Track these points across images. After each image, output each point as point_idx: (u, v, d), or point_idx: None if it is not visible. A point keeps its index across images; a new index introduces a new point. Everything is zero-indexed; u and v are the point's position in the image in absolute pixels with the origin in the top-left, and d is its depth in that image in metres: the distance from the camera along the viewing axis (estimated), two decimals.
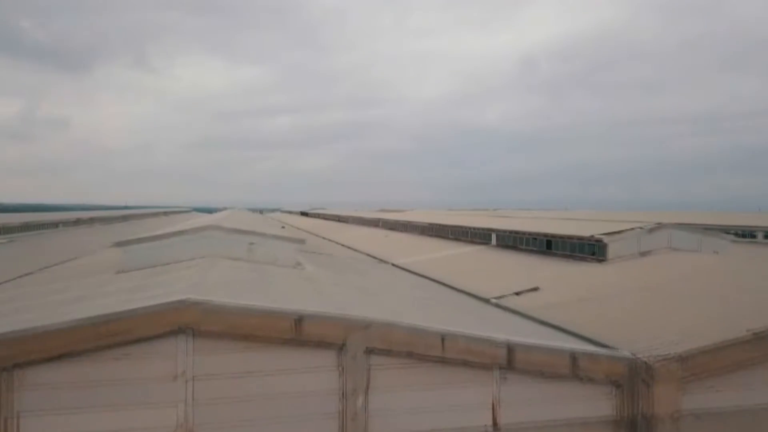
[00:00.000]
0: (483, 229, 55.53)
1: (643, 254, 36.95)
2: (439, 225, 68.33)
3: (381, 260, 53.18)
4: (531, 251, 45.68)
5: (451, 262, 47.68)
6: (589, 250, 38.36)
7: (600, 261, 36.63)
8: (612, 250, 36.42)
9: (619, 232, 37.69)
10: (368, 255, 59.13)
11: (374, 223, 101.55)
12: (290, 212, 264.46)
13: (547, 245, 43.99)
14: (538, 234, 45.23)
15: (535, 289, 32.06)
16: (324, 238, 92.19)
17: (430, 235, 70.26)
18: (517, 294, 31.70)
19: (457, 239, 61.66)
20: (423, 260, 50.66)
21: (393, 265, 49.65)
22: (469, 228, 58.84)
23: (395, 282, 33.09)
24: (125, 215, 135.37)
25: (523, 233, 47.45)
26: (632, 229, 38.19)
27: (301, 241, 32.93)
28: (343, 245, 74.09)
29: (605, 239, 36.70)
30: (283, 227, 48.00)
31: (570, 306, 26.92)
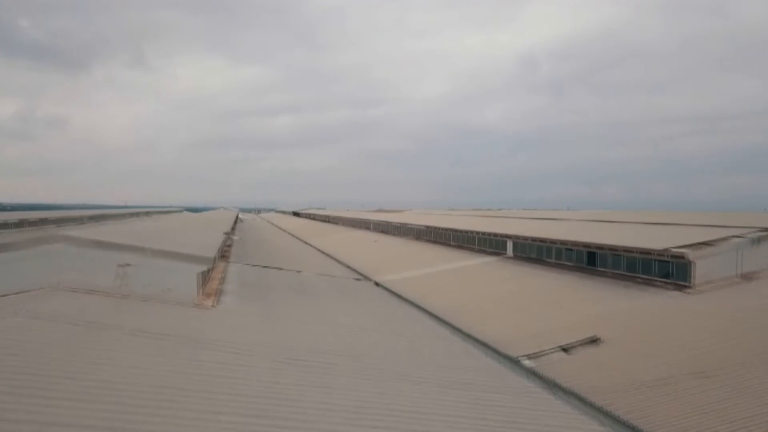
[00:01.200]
0: (495, 234, 42.97)
1: (746, 277, 24.43)
2: (439, 229, 55.77)
3: (361, 276, 40.69)
4: (564, 267, 33.17)
5: (454, 280, 35.16)
6: (661, 270, 25.83)
7: (681, 288, 24.10)
8: (700, 270, 23.89)
9: (708, 244, 25.15)
10: (348, 267, 46.70)
11: (364, 225, 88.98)
12: (283, 212, 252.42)
13: (590, 260, 31.48)
14: (575, 243, 32.69)
15: (594, 340, 19.56)
16: (306, 243, 79.91)
17: (428, 241, 57.73)
18: (565, 350, 19.20)
19: (460, 246, 49.14)
20: (416, 277, 38.18)
21: (375, 284, 37.17)
22: (477, 233, 46.31)
23: (362, 326, 20.53)
24: (95, 215, 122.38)
25: (553, 242, 34.91)
26: (727, 238, 25.64)
27: (208, 260, 20.44)
28: (322, 252, 61.73)
29: (689, 254, 24.17)
30: (226, 233, 35.38)
31: (680, 389, 14.40)
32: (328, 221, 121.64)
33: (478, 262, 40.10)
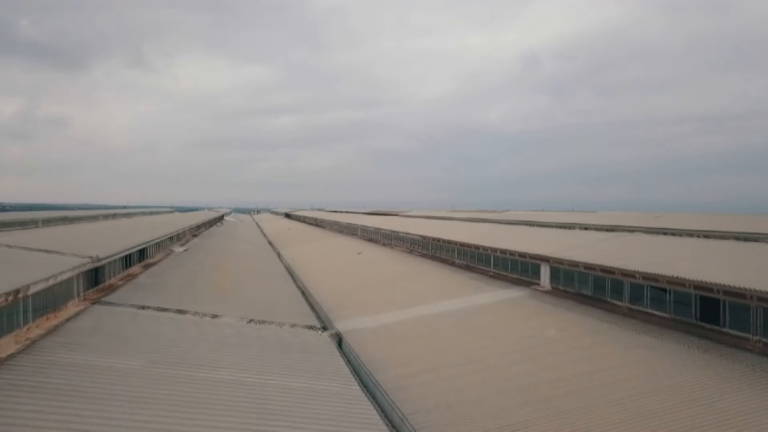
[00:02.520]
0: (523, 255, 28.97)
1: None
2: (441, 241, 41.79)
3: (320, 321, 26.73)
4: (651, 320, 19.26)
5: (463, 337, 21.16)
6: None
7: None
8: None
9: None
10: (308, 299, 32.86)
11: (352, 230, 75.11)
12: (276, 213, 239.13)
13: (705, 312, 17.59)
14: (675, 280, 18.65)
15: None
16: (278, 253, 66.03)
17: (425, 256, 43.80)
18: None
19: (469, 267, 35.24)
20: (401, 324, 24.22)
21: (337, 339, 23.19)
22: (494, 250, 32.32)
23: None
24: (52, 218, 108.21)
25: (629, 274, 20.87)
26: None
27: None
28: (287, 270, 47.91)
29: None
30: (92, 257, 21.53)
31: None
32: (317, 225, 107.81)
33: (499, 299, 26.10)
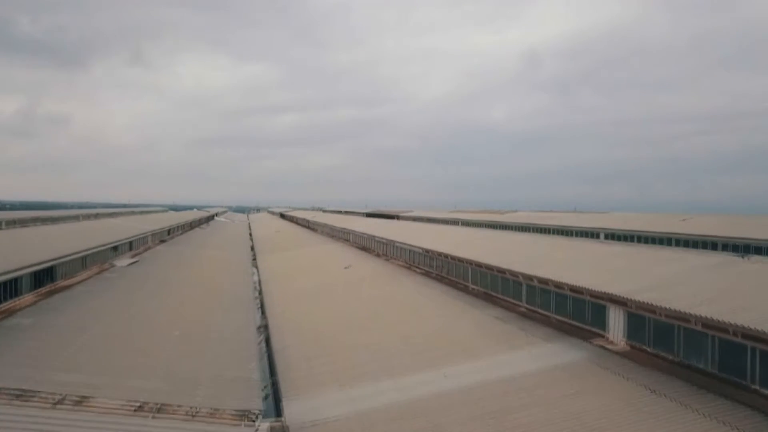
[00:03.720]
0: (578, 290, 19.22)
1: None
2: (449, 258, 32.08)
3: (268, 392, 17.07)
4: None
5: None
6: None
7: None
8: None
9: None
10: (265, 344, 23.30)
11: (344, 236, 65.47)
12: (272, 212, 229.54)
13: None
14: None
15: None
16: (255, 267, 56.37)
17: (429, 275, 34.19)
18: None
19: (489, 297, 25.64)
20: (390, 412, 14.65)
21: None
22: (529, 278, 22.56)
23: None
24: (22, 218, 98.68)
25: None
26: None
27: None
28: (255, 290, 38.38)
29: None
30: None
31: None
32: (308, 227, 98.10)
33: (545, 367, 16.40)
